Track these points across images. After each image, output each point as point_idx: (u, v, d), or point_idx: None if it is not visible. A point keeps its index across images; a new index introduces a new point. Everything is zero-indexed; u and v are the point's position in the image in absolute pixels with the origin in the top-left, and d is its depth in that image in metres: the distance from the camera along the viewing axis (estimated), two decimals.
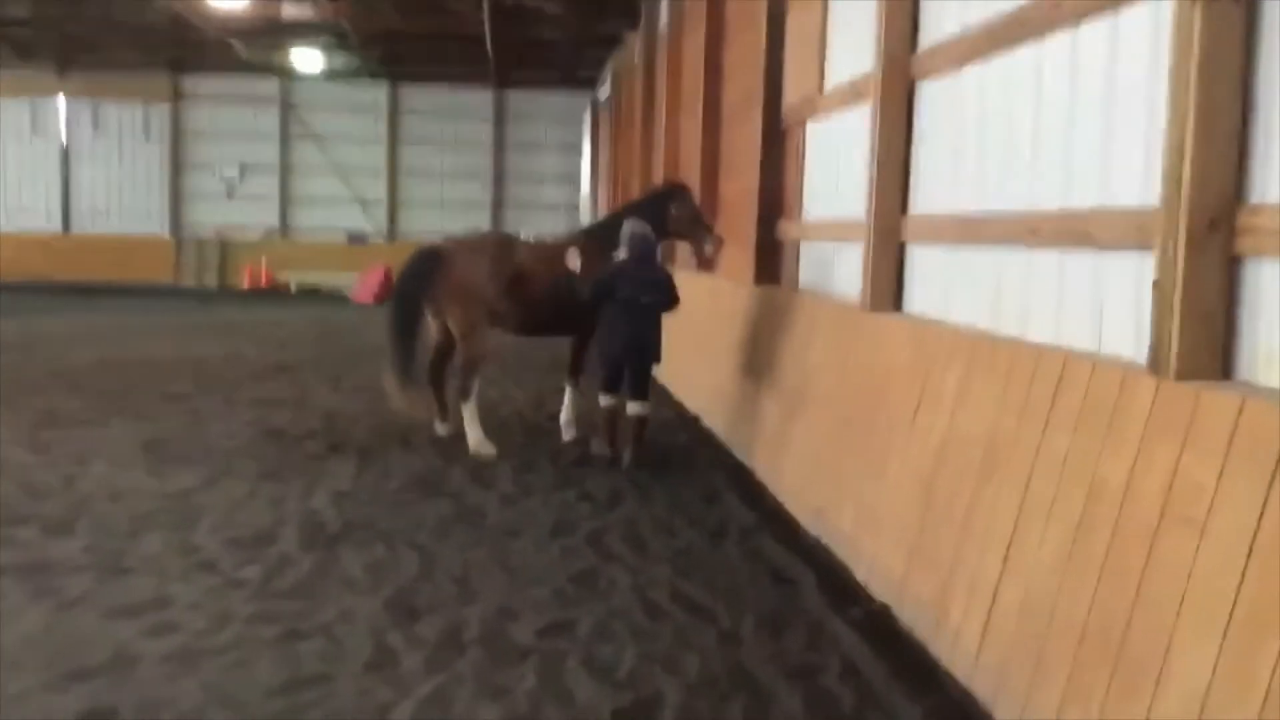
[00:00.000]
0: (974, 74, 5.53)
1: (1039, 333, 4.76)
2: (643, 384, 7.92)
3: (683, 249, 12.58)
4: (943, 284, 5.85)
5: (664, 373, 12.01)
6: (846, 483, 5.92)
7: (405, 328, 8.23)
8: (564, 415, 8.89)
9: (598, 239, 8.69)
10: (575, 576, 5.40)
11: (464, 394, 8.22)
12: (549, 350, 14.28)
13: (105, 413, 9.56)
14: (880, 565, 5.18)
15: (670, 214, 8.73)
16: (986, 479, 4.39)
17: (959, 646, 4.24)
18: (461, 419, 8.25)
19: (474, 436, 8.19)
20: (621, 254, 8.02)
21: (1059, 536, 3.80)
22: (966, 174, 5.61)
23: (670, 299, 7.94)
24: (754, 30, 10.07)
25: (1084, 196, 4.43)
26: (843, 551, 5.69)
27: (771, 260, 9.33)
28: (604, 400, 7.98)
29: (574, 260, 8.22)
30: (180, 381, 11.53)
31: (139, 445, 8.18)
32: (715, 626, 4.77)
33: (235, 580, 5.15)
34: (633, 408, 7.90)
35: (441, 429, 8.71)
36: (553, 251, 8.65)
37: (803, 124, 8.68)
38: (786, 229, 8.98)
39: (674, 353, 11.62)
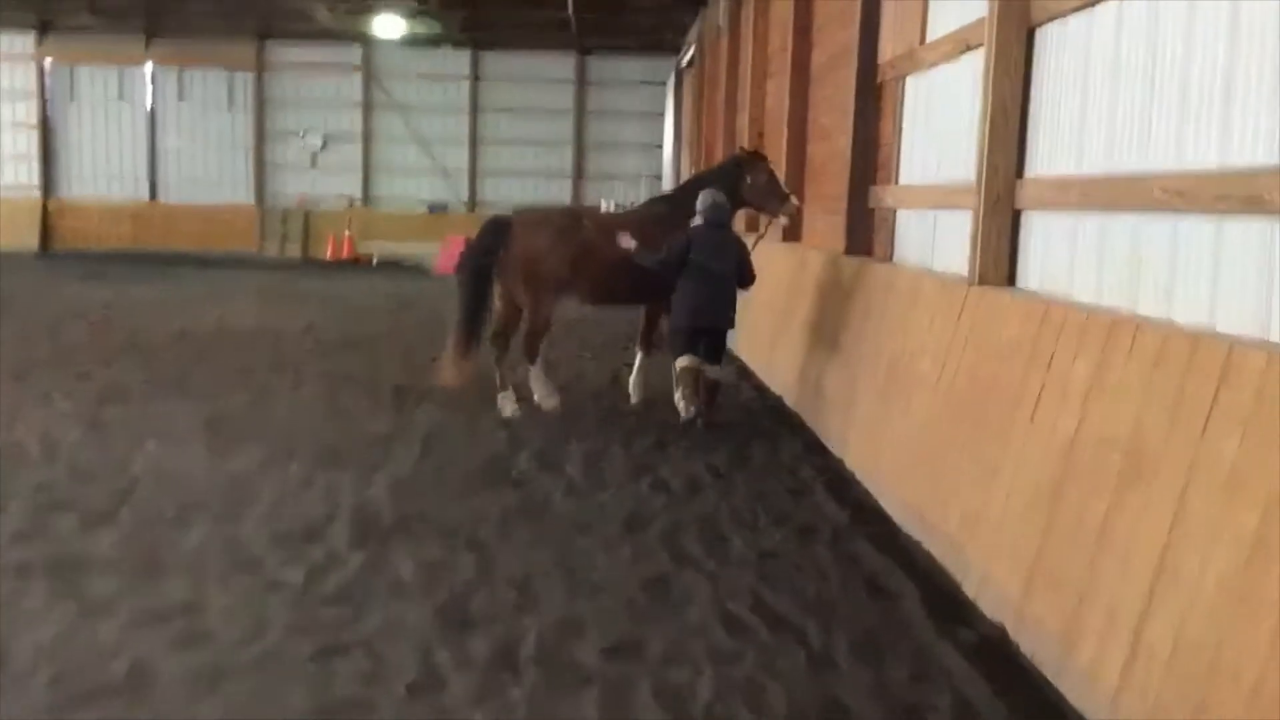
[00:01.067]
0: (1109, 12, 4.80)
1: (1187, 313, 4.07)
2: (716, 350, 7.99)
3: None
4: (1066, 256, 5.15)
5: (744, 349, 11.42)
6: (951, 481, 5.28)
7: (472, 299, 8.32)
8: (632, 380, 9.07)
9: (671, 208, 8.71)
10: (647, 583, 4.86)
11: (530, 359, 8.48)
12: (628, 325, 13.78)
13: (172, 387, 9.28)
14: (993, 580, 4.55)
15: (745, 182, 8.67)
16: (1128, 488, 3.73)
17: (1094, 687, 3.60)
18: (527, 388, 8.51)
19: (540, 391, 8.49)
20: (696, 221, 8.06)
21: (1225, 563, 3.15)
22: (1095, 131, 4.90)
23: (743, 269, 8.01)
24: None
25: (1249, 154, 3.72)
26: (947, 559, 5.06)
27: (864, 229, 8.64)
28: (682, 362, 7.96)
29: (626, 241, 8.15)
30: (252, 355, 11.25)
31: (200, 423, 7.85)
32: (805, 648, 4.20)
33: (276, 582, 4.72)
34: (710, 371, 7.99)
35: (505, 401, 8.46)
36: (618, 224, 8.67)
37: (901, 79, 7.96)
38: (881, 195, 8.28)
39: (755, 329, 11.05)
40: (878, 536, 5.56)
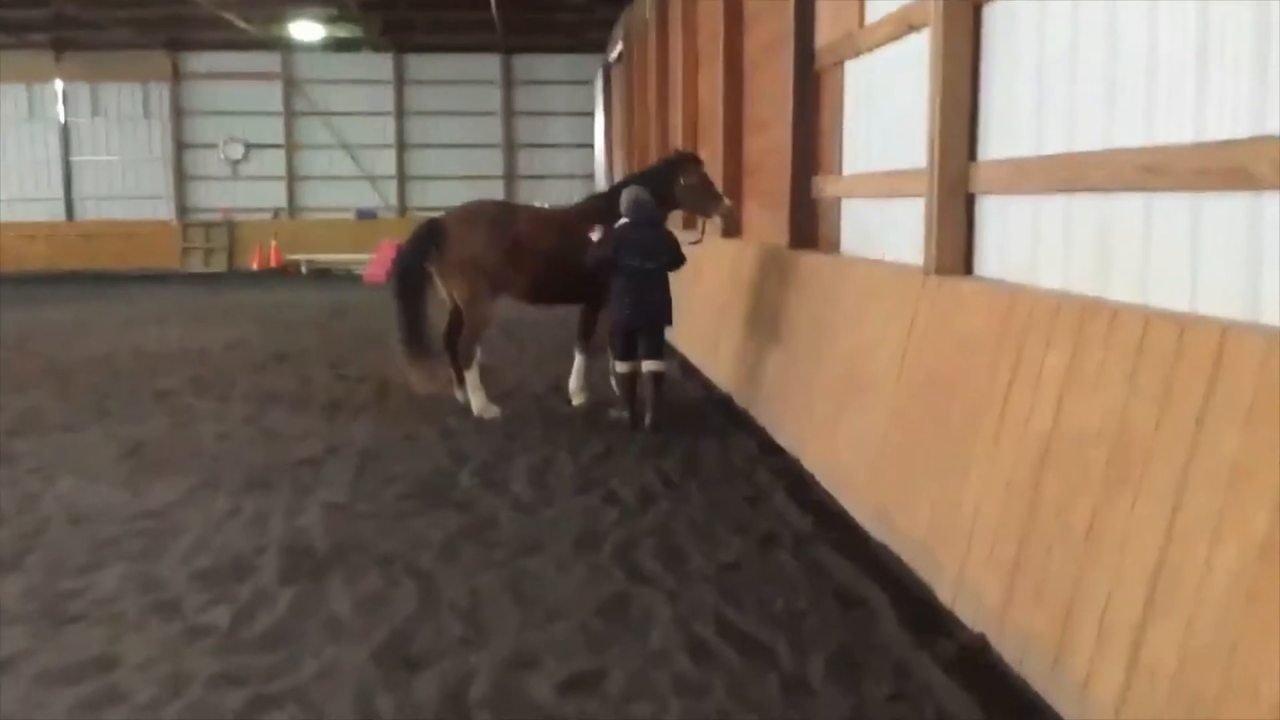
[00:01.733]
0: None
1: (1164, 298, 3.85)
2: (656, 345, 7.93)
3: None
4: (1027, 242, 4.93)
5: (686, 345, 11.14)
6: (917, 480, 5.03)
7: (409, 300, 8.25)
8: (572, 382, 8.92)
9: (607, 204, 8.56)
10: (604, 606, 4.54)
11: (465, 361, 8.40)
12: (568, 331, 13.45)
13: (89, 414, 8.77)
14: (970, 585, 4.30)
15: (679, 184, 8.63)
16: (1118, 485, 3.49)
17: (1089, 700, 3.36)
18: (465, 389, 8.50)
19: (477, 401, 8.40)
20: (622, 221, 8.01)
21: (1234, 563, 2.91)
22: (1054, 109, 4.68)
23: (675, 260, 7.96)
24: None
25: (1228, 126, 3.50)
26: (918, 564, 4.80)
27: (808, 221, 8.40)
28: (620, 367, 8.04)
29: (595, 234, 8.17)
30: (175, 375, 10.74)
31: (119, 453, 7.38)
32: (777, 671, 3.90)
33: (199, 627, 4.32)
34: (648, 365, 7.89)
35: (460, 396, 8.62)
36: (553, 219, 8.82)
37: (840, 65, 7.72)
38: (824, 185, 8.04)
39: (700, 325, 10.79)
40: (843, 542, 5.29)
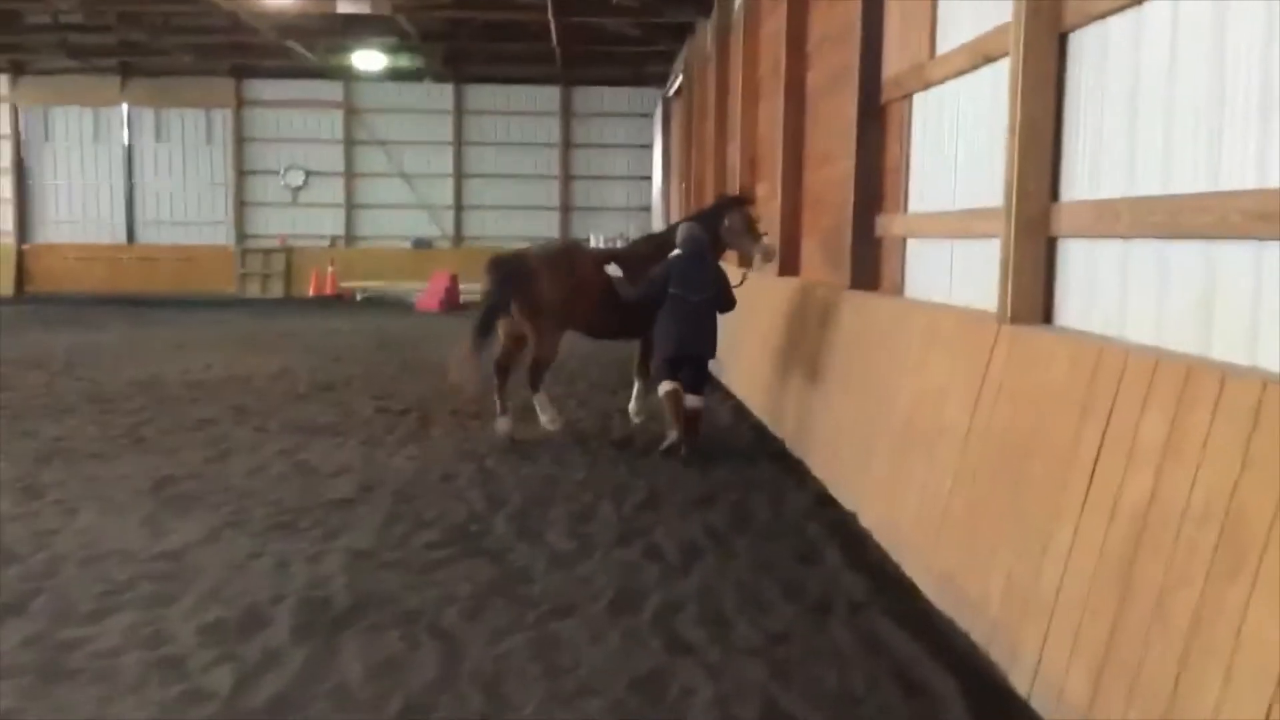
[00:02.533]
0: (1161, 9, 4.16)
1: (1276, 360, 3.39)
2: (699, 379, 8.21)
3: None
4: (1115, 291, 4.48)
5: (742, 388, 10.74)
6: (989, 549, 4.58)
7: (487, 327, 8.68)
8: (632, 405, 9.52)
9: (661, 245, 9.07)
10: (639, 681, 4.13)
11: (534, 388, 8.89)
12: (617, 370, 13.09)
13: (123, 443, 8.56)
14: (1051, 674, 3.84)
15: (723, 225, 8.99)
16: (1229, 573, 3.03)
17: None
18: (531, 414, 8.96)
19: (545, 416, 8.90)
20: (675, 253, 8.36)
21: None
22: (1149, 146, 4.24)
23: (722, 297, 8.26)
24: (845, 1, 8.75)
25: None
26: (990, 644, 4.35)
27: (870, 261, 7.98)
28: (663, 388, 8.18)
29: (613, 270, 8.61)
30: (217, 403, 10.54)
31: (147, 486, 7.13)
32: None
33: (199, 690, 3.98)
34: (690, 401, 8.13)
35: (501, 424, 8.80)
36: (619, 257, 9.15)
37: (907, 98, 7.33)
38: (889, 224, 7.63)
39: (754, 366, 10.39)
40: (904, 614, 4.84)
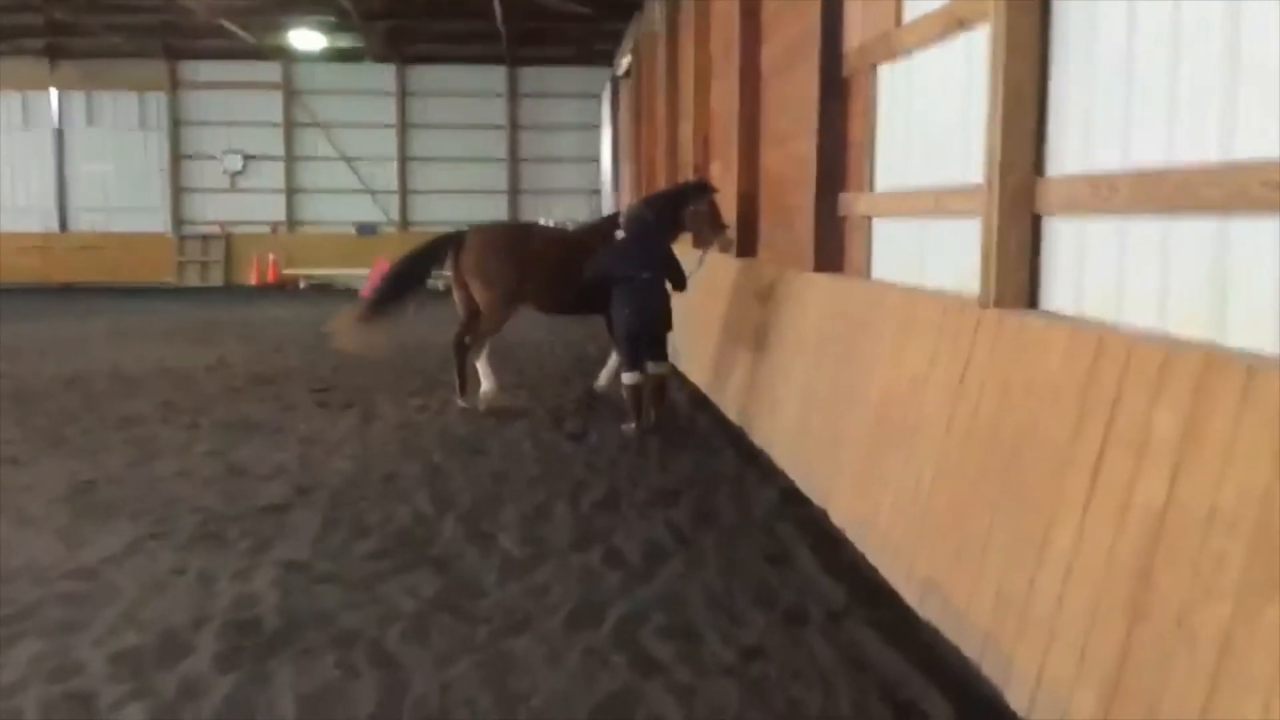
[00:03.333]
0: None
1: None
2: (659, 348, 8.48)
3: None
4: (1111, 271, 4.14)
5: (701, 376, 10.38)
6: (976, 550, 4.24)
7: (397, 283, 9.31)
8: (601, 376, 10.00)
9: (612, 226, 9.33)
10: (602, 707, 3.74)
11: (474, 355, 9.28)
12: (570, 359, 12.67)
13: (43, 445, 8.01)
14: (1053, 693, 3.49)
15: (687, 210, 9.20)
16: (1268, 590, 2.70)
17: None
18: (479, 384, 9.29)
19: (487, 385, 9.23)
20: (620, 235, 8.78)
21: None
22: (1149, 114, 3.90)
23: (672, 273, 8.55)
24: None
25: None
26: (982, 657, 4.00)
27: (833, 242, 7.62)
28: (628, 379, 8.43)
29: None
30: (146, 399, 9.98)
31: (64, 492, 6.62)
32: None
33: None
34: (653, 368, 8.45)
35: (461, 401, 9.35)
36: (571, 238, 9.86)
37: (871, 69, 6.96)
38: (853, 203, 7.27)
39: (712, 353, 10.01)
40: (885, 622, 4.49)
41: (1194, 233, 3.60)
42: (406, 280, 9.34)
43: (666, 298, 8.45)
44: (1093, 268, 4.27)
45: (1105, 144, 4.17)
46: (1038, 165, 4.63)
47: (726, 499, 6.47)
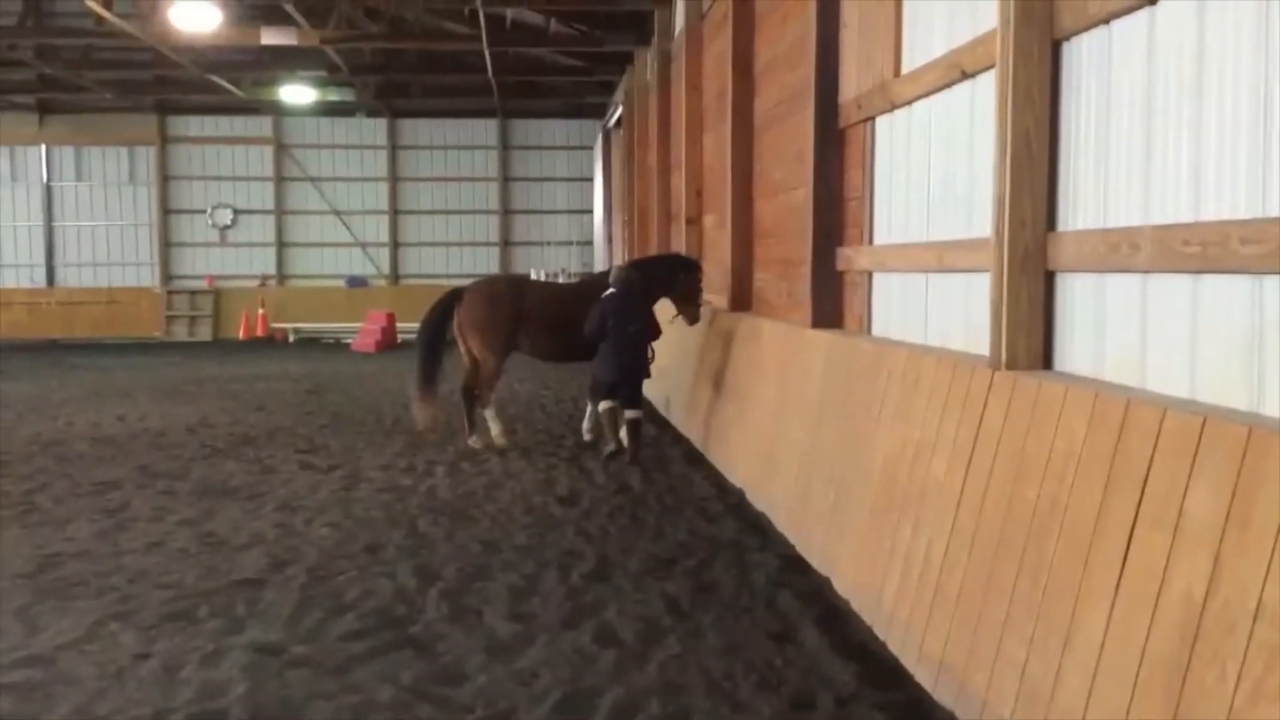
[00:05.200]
0: (1182, 8, 3.59)
1: None
2: (635, 395, 9.52)
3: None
4: (1133, 333, 3.89)
5: (697, 434, 10.10)
6: (992, 633, 3.94)
7: (430, 356, 10.20)
8: (585, 424, 10.57)
9: (600, 283, 10.29)
10: None
11: (483, 403, 10.19)
12: (562, 412, 12.38)
13: (11, 514, 7.68)
14: None
15: (678, 279, 10.36)
16: None
17: None
18: (488, 432, 10.15)
19: (495, 429, 10.13)
20: (611, 290, 9.67)
21: None
22: (1172, 165, 3.67)
23: (650, 330, 9.62)
24: (796, 19, 8.22)
25: None
26: None
27: (831, 296, 7.38)
28: (603, 406, 9.55)
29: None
30: (123, 463, 9.66)
31: (26, 567, 6.28)
32: None
33: None
34: (629, 414, 9.44)
35: (473, 441, 10.09)
36: (564, 291, 11.08)
37: (869, 121, 6.77)
38: (852, 257, 7.04)
39: (708, 409, 9.75)
40: (899, 708, 4.18)
41: (1227, 292, 3.35)
42: (432, 345, 10.19)
43: (646, 349, 9.53)
44: (1113, 329, 4.02)
45: (1124, 197, 3.93)
46: (1050, 219, 4.40)
47: (724, 568, 6.16)
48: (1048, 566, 3.68)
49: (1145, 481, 3.27)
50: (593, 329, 9.39)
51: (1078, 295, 4.26)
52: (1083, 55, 4.22)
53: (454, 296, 10.28)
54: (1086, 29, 4.14)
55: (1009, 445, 4.18)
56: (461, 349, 10.29)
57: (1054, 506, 3.73)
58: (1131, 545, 3.26)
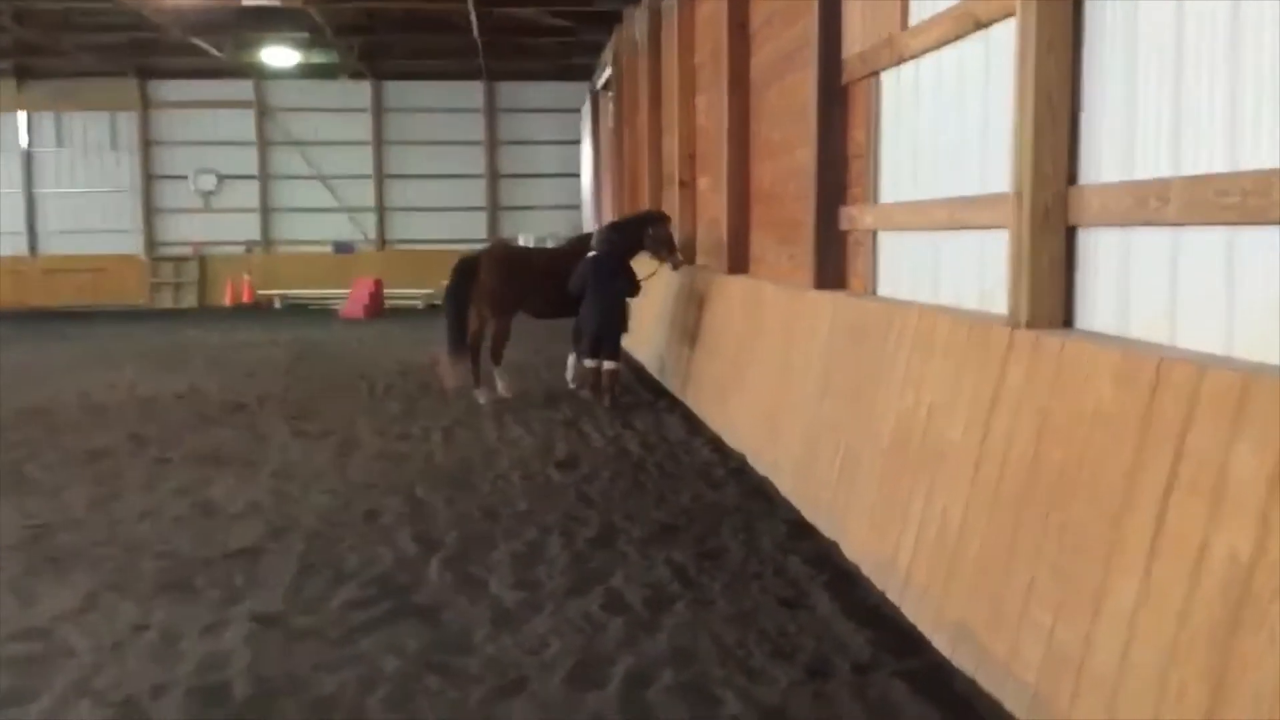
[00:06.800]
0: None
1: None
2: (614, 347, 10.49)
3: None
4: (1162, 289, 3.78)
5: (696, 398, 10.00)
6: (1016, 596, 3.85)
7: (458, 320, 10.83)
8: (569, 373, 11.54)
9: (585, 245, 11.23)
10: None
11: (495, 359, 11.01)
12: (555, 377, 12.22)
13: (2, 483, 7.53)
14: None
15: (648, 233, 11.33)
16: None
17: None
18: (494, 383, 10.95)
19: (501, 384, 10.96)
20: (593, 251, 10.65)
21: None
22: (1206, 114, 3.54)
23: (630, 287, 10.66)
24: None
25: None
26: (1027, 711, 3.61)
27: (835, 257, 7.26)
28: (588, 363, 10.64)
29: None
30: (114, 431, 9.51)
31: (19, 537, 6.16)
32: None
33: None
34: (608, 365, 10.43)
35: (479, 395, 10.74)
36: (555, 255, 12.02)
37: (873, 76, 6.62)
38: (857, 216, 6.91)
39: (708, 373, 9.65)
40: (919, 675, 4.10)
41: (1267, 246, 3.23)
42: (457, 310, 10.81)
43: (625, 304, 10.61)
44: (1140, 285, 3.91)
45: (1152, 148, 3.81)
46: (1071, 173, 4.27)
47: (731, 534, 6.07)
48: (1075, 530, 3.59)
49: (1181, 443, 3.17)
50: (575, 287, 10.39)
51: (1101, 251, 4.15)
52: (1107, 2, 4.08)
53: (471, 263, 11.00)
54: None
55: (1031, 406, 4.07)
56: (473, 309, 10.99)
57: (1081, 469, 3.63)
58: (1167, 508, 3.16)
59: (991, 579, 4.06)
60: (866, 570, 5.24)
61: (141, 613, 4.90)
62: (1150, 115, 3.82)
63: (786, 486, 6.81)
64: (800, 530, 6.08)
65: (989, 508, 4.20)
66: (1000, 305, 4.67)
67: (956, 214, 5.33)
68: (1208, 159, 3.50)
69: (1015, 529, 3.98)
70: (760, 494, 6.94)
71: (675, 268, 11.55)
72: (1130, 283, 3.97)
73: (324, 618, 4.83)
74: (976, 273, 5.23)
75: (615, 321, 10.45)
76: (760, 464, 7.49)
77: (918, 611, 4.60)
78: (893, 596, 4.87)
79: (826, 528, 5.92)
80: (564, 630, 4.66)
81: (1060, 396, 3.88)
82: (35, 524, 6.43)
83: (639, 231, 11.31)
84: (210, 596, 5.11)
